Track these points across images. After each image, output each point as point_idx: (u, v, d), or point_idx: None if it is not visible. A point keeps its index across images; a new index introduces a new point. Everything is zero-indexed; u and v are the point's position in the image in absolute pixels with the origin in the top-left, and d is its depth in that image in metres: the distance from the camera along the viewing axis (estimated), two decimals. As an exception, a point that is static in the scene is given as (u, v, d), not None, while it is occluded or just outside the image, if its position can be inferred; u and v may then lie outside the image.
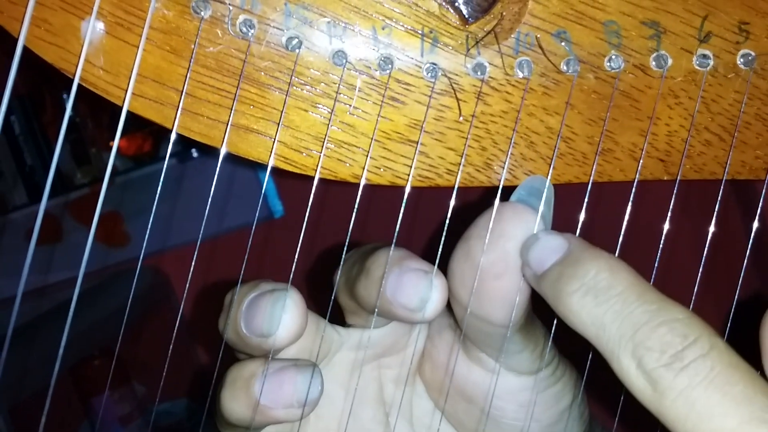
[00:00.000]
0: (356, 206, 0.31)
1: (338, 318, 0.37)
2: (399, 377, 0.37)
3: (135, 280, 0.82)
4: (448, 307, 0.33)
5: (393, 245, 0.33)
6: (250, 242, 0.35)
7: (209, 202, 0.35)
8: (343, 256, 0.33)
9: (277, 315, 0.31)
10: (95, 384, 0.86)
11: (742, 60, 0.32)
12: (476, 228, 0.32)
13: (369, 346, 0.36)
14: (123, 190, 0.89)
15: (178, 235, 0.87)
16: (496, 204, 0.31)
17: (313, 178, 0.32)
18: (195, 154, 0.89)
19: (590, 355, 0.34)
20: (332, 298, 0.35)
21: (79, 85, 0.30)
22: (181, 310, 0.92)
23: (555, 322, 0.30)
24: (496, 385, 0.35)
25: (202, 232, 0.83)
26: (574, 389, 0.36)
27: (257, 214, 0.89)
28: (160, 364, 0.37)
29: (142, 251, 0.87)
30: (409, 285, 0.31)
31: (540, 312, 0.35)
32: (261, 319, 0.32)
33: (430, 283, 0.31)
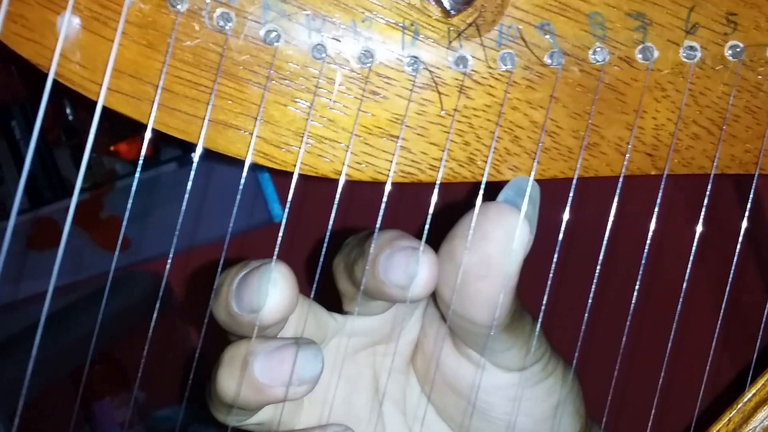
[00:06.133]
0: (336, 203, 0.31)
1: (336, 308, 0.36)
2: (392, 366, 0.37)
3: (135, 285, 0.82)
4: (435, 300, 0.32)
5: (380, 229, 0.32)
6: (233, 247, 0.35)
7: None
8: (323, 249, 0.33)
9: (264, 288, 0.30)
10: (95, 389, 0.86)
11: (730, 52, 0.31)
12: (460, 227, 0.31)
13: (365, 333, 0.36)
14: (123, 194, 0.88)
15: (179, 240, 0.86)
16: (478, 204, 0.30)
17: (305, 176, 0.31)
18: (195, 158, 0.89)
19: (577, 351, 0.33)
20: (315, 282, 0.34)
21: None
22: (181, 315, 0.91)
23: (541, 317, 0.29)
24: (484, 380, 0.34)
25: (201, 236, 0.82)
26: (566, 384, 0.36)
27: (256, 218, 0.88)
28: (161, 370, 0.37)
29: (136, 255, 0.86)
30: (400, 263, 0.31)
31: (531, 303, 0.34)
32: (250, 295, 0.31)
33: (418, 260, 0.31)
